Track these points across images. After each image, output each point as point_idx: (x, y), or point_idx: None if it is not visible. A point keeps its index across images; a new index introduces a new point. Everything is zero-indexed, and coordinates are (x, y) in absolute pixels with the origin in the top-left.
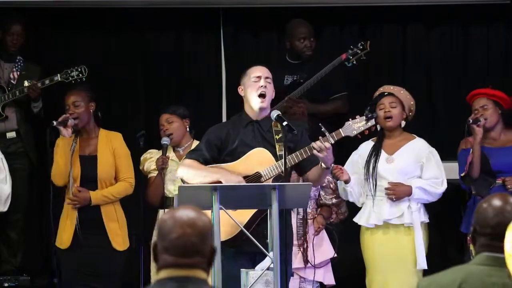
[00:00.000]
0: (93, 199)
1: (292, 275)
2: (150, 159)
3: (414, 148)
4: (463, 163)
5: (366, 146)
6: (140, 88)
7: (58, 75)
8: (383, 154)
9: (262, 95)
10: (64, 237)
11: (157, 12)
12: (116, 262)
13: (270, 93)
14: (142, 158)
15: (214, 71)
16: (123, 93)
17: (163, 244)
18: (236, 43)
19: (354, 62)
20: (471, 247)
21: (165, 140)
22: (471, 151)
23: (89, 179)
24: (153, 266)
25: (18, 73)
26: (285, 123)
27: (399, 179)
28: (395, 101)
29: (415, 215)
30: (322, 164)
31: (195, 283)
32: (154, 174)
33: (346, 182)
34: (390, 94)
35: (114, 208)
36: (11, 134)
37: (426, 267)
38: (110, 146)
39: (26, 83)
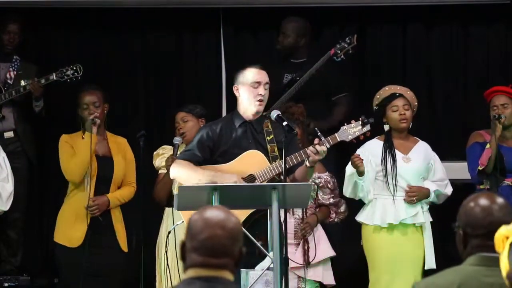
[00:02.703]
0: (111, 202)
1: None
2: (162, 155)
3: (423, 150)
4: (476, 157)
5: (373, 145)
6: (140, 88)
7: (54, 74)
8: (399, 154)
9: (260, 101)
10: (75, 235)
11: (157, 12)
12: (120, 263)
13: (267, 99)
14: (154, 153)
15: (214, 71)
16: (123, 93)
17: (192, 243)
18: (236, 43)
19: (342, 57)
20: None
21: (176, 140)
22: (488, 146)
23: (105, 179)
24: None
25: (15, 72)
26: (285, 123)
27: (415, 179)
28: (407, 103)
29: (426, 215)
30: (307, 163)
31: (224, 283)
32: (164, 171)
33: (361, 174)
34: (401, 95)
35: (119, 211)
36: (8, 134)
37: (434, 267)
38: (121, 150)
39: (22, 83)
